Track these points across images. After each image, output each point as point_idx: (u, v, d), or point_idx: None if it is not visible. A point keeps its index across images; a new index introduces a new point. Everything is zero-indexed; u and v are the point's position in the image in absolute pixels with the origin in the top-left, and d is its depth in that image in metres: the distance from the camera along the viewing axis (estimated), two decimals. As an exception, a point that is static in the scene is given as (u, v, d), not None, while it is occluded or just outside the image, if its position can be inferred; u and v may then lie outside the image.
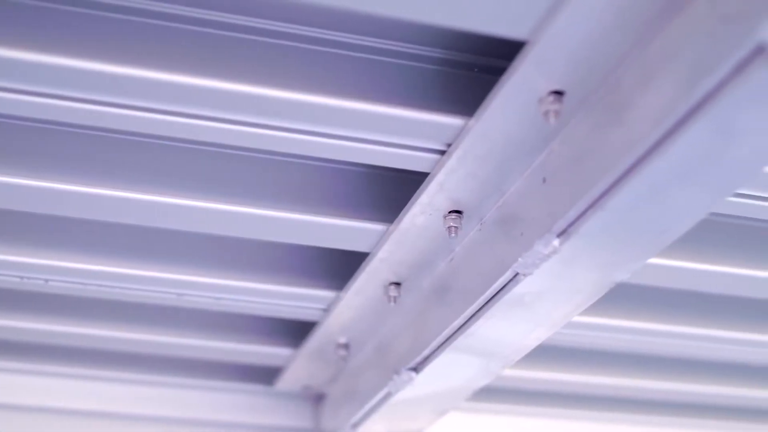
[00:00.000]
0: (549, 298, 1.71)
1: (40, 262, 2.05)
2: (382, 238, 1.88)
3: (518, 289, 1.67)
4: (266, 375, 2.71)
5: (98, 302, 2.29)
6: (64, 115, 1.58)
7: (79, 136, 1.74)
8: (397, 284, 2.03)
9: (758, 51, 1.11)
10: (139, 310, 2.37)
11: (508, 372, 2.36)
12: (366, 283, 2.04)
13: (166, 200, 1.80)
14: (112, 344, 2.51)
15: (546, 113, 1.42)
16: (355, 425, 2.46)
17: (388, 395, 2.22)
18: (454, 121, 1.55)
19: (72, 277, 2.10)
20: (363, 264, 1.98)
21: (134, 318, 2.41)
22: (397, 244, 1.87)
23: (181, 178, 1.80)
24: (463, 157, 1.59)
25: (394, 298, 2.03)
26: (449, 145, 1.60)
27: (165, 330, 2.46)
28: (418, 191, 1.71)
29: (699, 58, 1.18)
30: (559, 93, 1.41)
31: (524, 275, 1.63)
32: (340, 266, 2.12)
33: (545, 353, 2.46)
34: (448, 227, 1.75)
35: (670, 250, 1.85)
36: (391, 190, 1.84)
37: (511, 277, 1.67)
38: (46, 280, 2.11)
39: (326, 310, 2.24)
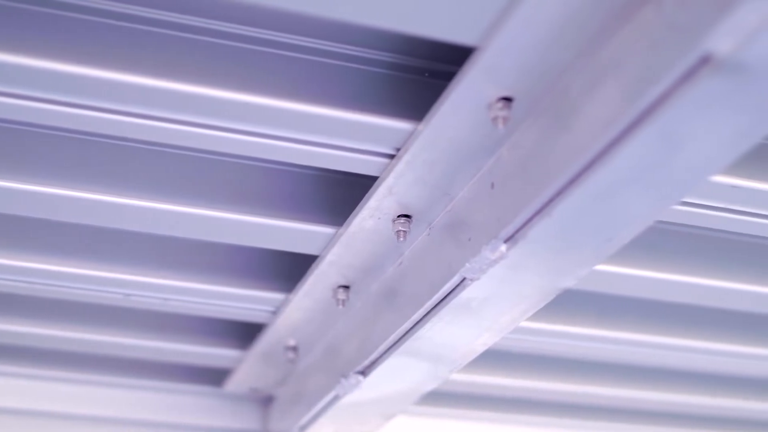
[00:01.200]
0: (496, 303, 1.71)
1: (-16, 261, 2.03)
2: (331, 241, 1.88)
3: (465, 294, 1.68)
4: (214, 376, 2.70)
5: (45, 301, 2.28)
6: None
7: (22, 134, 1.72)
8: (346, 287, 2.03)
9: (704, 61, 1.11)
10: (86, 310, 2.36)
11: (456, 376, 2.36)
12: (315, 285, 2.04)
13: (116, 200, 1.78)
14: (58, 344, 2.49)
15: (495, 119, 1.43)
16: (303, 428, 2.45)
17: (335, 398, 2.21)
18: (403, 125, 1.55)
19: (18, 275, 2.08)
20: (312, 267, 1.98)
21: (81, 318, 2.39)
22: (345, 248, 1.87)
23: (130, 177, 1.78)
24: (412, 161, 1.59)
25: (343, 301, 2.03)
26: (398, 150, 1.60)
27: (112, 330, 2.44)
28: (367, 195, 1.71)
29: (646, 67, 1.19)
30: (507, 99, 1.42)
31: (471, 280, 1.63)
32: (289, 268, 2.12)
33: (493, 358, 2.47)
34: (397, 231, 1.75)
35: (617, 257, 1.86)
36: (340, 193, 1.84)
37: (458, 282, 1.67)
38: (-9, 279, 2.09)
39: (275, 313, 2.24)
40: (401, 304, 1.86)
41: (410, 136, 1.56)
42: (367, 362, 2.04)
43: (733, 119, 1.20)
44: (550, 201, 1.41)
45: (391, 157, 1.62)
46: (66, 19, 1.47)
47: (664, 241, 1.98)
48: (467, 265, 1.61)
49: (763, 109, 1.18)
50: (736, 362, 2.53)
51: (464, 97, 1.42)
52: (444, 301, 1.73)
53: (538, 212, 1.44)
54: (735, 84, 1.13)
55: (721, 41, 1.08)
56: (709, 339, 2.38)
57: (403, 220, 1.75)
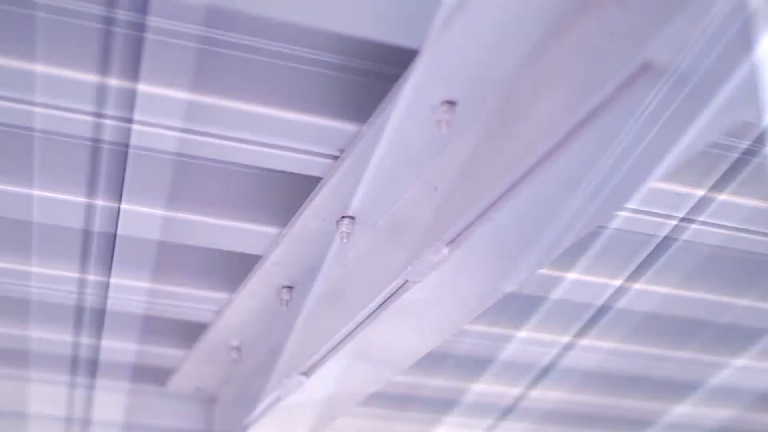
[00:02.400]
0: (438, 305, 1.72)
1: None
2: (275, 242, 1.88)
3: (408, 296, 1.68)
4: (158, 376, 2.69)
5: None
6: None
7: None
8: (290, 288, 2.02)
9: (644, 69, 1.12)
10: (28, 307, 2.34)
11: (400, 378, 2.37)
12: (258, 285, 2.03)
13: (57, 197, 1.78)
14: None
15: (438, 122, 1.43)
16: (246, 428, 2.45)
17: (278, 399, 2.21)
18: (348, 127, 1.55)
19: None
20: (256, 266, 1.98)
21: (22, 315, 2.37)
22: (289, 248, 1.87)
23: (71, 174, 1.77)
24: (355, 163, 1.59)
25: (287, 301, 2.02)
26: (343, 151, 1.60)
27: (57, 328, 2.42)
28: (311, 196, 1.71)
29: (587, 74, 1.20)
30: (451, 103, 1.42)
31: (413, 283, 1.64)
32: (233, 268, 2.11)
33: (437, 360, 2.47)
34: (341, 233, 1.75)
35: (558, 262, 1.87)
36: (284, 194, 1.84)
37: (400, 284, 1.67)
38: None
39: (218, 312, 2.23)
40: (344, 305, 1.86)
41: (354, 138, 1.56)
42: (310, 363, 2.03)
43: (674, 127, 1.21)
44: (492, 205, 1.41)
45: (336, 158, 1.62)
46: None
47: (606, 246, 1.99)
48: (410, 267, 1.61)
49: (702, 117, 1.19)
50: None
51: (408, 100, 1.42)
52: (386, 303, 1.73)
53: (481, 216, 1.45)
54: (674, 92, 1.14)
55: (661, 50, 1.09)
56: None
57: (346, 221, 1.75)
